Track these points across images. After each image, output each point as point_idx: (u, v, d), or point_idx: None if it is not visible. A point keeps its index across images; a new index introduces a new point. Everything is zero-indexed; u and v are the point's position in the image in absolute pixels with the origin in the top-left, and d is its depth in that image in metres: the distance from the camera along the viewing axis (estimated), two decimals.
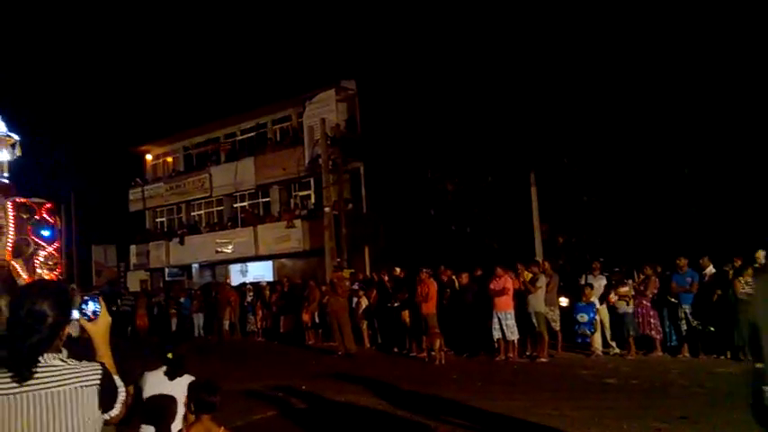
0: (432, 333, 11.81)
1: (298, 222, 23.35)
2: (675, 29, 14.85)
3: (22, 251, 5.76)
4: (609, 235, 15.80)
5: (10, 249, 5.74)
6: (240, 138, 27.32)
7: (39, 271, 5.61)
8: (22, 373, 1.96)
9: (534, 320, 11.57)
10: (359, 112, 22.51)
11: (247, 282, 22.10)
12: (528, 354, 11.74)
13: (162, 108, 35.71)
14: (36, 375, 1.98)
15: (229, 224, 26.64)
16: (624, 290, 11.62)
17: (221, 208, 27.77)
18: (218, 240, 25.99)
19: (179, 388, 4.02)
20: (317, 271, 20.84)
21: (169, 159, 30.45)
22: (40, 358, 2.01)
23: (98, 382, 2.06)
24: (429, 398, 8.34)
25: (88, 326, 2.33)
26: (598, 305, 11.62)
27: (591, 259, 13.17)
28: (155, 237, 29.66)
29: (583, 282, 12.08)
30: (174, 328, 20.00)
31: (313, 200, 24.00)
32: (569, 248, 17.15)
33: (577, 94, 15.75)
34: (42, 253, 5.73)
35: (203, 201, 28.38)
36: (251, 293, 18.76)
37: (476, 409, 7.53)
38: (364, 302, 14.46)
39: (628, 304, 11.47)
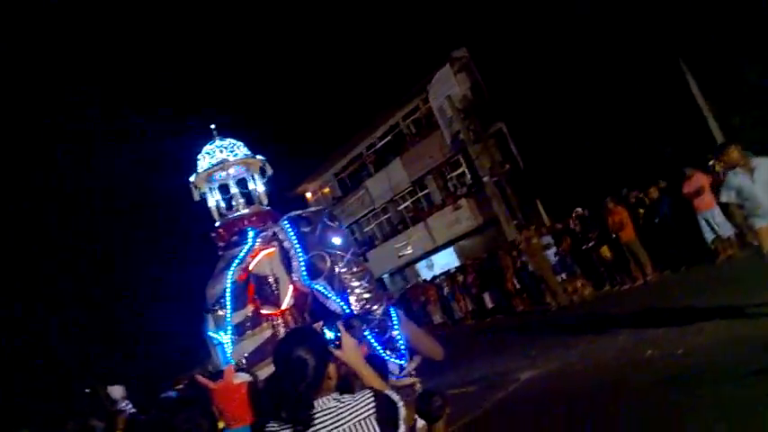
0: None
1: (462, 202, 23.44)
2: None
3: (319, 269, 4.95)
4: None
5: (305, 273, 4.97)
6: (380, 144, 27.93)
7: (350, 284, 4.83)
8: (302, 421, 1.98)
9: None
10: (480, 75, 22.16)
11: (437, 274, 22.52)
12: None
13: (300, 148, 37.28)
14: (315, 422, 1.98)
15: (400, 227, 27.38)
16: None
17: (388, 215, 28.61)
18: (396, 246, 26.79)
19: None
20: (498, 240, 20.78)
21: (326, 190, 31.87)
22: (315, 403, 2.01)
23: (373, 409, 2.01)
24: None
25: (337, 353, 2.26)
26: None
27: None
28: None
29: None
30: None
31: (469, 175, 23.97)
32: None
33: None
34: (341, 263, 4.99)
35: (370, 215, 29.41)
36: (446, 284, 19.09)
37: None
38: None
39: None
